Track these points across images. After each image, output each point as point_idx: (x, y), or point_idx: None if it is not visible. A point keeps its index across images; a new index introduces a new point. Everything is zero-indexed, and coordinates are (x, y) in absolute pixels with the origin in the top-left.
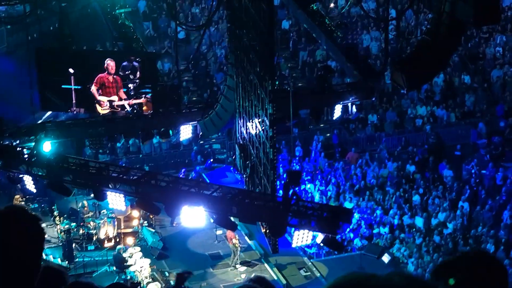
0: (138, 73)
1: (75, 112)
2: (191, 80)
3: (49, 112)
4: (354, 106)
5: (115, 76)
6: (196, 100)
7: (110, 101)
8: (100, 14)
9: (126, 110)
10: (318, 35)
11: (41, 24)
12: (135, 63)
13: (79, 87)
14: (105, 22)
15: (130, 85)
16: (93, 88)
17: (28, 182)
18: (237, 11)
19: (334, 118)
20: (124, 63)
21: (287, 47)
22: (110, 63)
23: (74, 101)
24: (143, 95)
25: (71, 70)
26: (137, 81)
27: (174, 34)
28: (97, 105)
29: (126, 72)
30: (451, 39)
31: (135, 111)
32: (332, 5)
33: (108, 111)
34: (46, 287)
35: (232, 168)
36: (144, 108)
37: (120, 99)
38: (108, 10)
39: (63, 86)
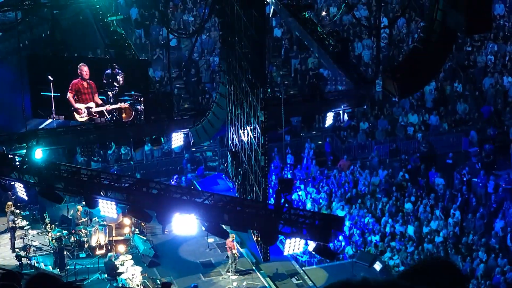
0: (121, 81)
1: (54, 120)
2: (183, 88)
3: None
4: (345, 114)
5: (89, 81)
6: (188, 107)
7: (88, 108)
8: (92, 21)
9: (105, 117)
10: (310, 43)
11: (33, 31)
12: (118, 71)
13: (57, 94)
14: (97, 30)
15: (110, 93)
16: (69, 96)
17: (20, 189)
18: (229, 19)
19: (326, 125)
20: (107, 71)
21: (279, 55)
22: (84, 68)
23: (53, 109)
24: (121, 102)
25: (50, 78)
26: (117, 88)
27: (166, 42)
28: (75, 113)
29: (110, 80)
30: (443, 48)
31: (114, 118)
32: (324, 13)
33: (86, 118)
34: None
35: (224, 175)
36: (124, 115)
37: (97, 104)
38: (100, 18)
39: (42, 94)
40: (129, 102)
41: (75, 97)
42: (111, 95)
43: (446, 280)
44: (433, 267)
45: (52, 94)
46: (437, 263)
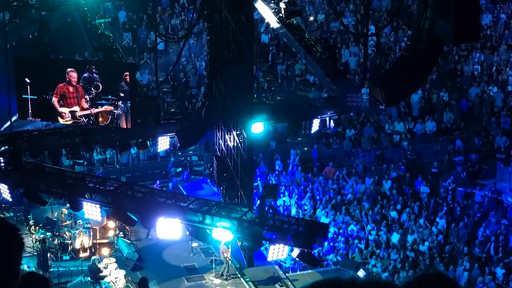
0: (99, 85)
1: (30, 121)
2: (170, 92)
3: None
4: (332, 121)
5: (77, 86)
6: (174, 111)
7: (72, 112)
8: (80, 23)
9: (82, 120)
10: (297, 49)
11: (20, 32)
12: (95, 75)
13: (34, 97)
14: (85, 32)
15: (87, 96)
16: (54, 100)
17: (4, 190)
18: (217, 24)
19: (312, 132)
20: (85, 74)
21: (266, 61)
22: (72, 74)
23: (30, 111)
24: (102, 105)
25: (27, 80)
26: (94, 92)
27: (154, 45)
28: (58, 117)
29: (87, 84)
30: (430, 56)
31: (91, 122)
32: (311, 18)
33: (70, 122)
34: None
35: (209, 180)
36: (100, 119)
37: (82, 109)
38: (88, 20)
39: (23, 96)
40: (106, 106)
41: (60, 101)
42: (88, 99)
43: None
44: (428, 281)
45: (29, 96)
46: (432, 277)
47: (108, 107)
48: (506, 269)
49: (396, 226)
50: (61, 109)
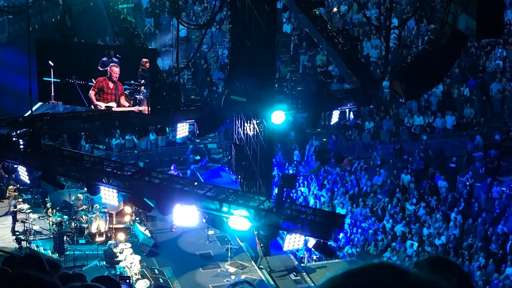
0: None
1: (52, 104)
2: (191, 79)
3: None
4: (351, 113)
5: (117, 82)
6: (194, 98)
7: (108, 107)
8: (102, 8)
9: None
10: (319, 40)
11: (43, 15)
12: (114, 59)
13: (57, 80)
14: (107, 17)
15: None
16: (91, 93)
17: (23, 172)
18: (240, 12)
19: (331, 123)
20: (104, 59)
21: (287, 51)
22: (114, 69)
23: (52, 94)
24: (144, 100)
25: (50, 63)
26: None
27: (176, 32)
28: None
29: (106, 68)
30: (452, 51)
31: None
32: (335, 9)
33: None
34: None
35: (227, 168)
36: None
37: (119, 105)
38: (110, 5)
39: (45, 79)
40: (128, 91)
41: (97, 95)
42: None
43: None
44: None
45: (52, 79)
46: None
47: (141, 107)
48: None
49: (413, 220)
50: (98, 103)
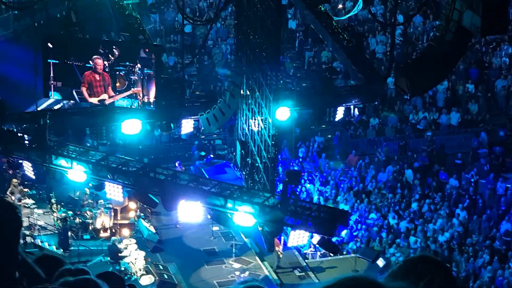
0: (116, 53)
1: (52, 85)
2: (195, 75)
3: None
4: (356, 109)
5: (103, 73)
6: (199, 94)
7: (101, 101)
8: (107, 4)
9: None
10: (324, 36)
11: (48, 11)
12: (100, 50)
13: (56, 61)
14: (112, 13)
15: (106, 62)
16: (83, 89)
17: (28, 168)
18: (245, 8)
19: (336, 119)
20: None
21: (292, 47)
22: (98, 61)
23: (51, 75)
24: (131, 87)
25: (49, 45)
26: (112, 59)
27: (181, 28)
28: (83, 88)
29: (106, 51)
30: (457, 47)
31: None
32: (340, 6)
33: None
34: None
35: (232, 164)
36: (117, 84)
37: (110, 96)
38: (115, 1)
39: (49, 61)
40: (123, 72)
41: (88, 90)
42: (106, 64)
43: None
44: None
45: (52, 60)
46: (426, 261)
47: (135, 89)
48: None
49: (417, 216)
50: (91, 99)
